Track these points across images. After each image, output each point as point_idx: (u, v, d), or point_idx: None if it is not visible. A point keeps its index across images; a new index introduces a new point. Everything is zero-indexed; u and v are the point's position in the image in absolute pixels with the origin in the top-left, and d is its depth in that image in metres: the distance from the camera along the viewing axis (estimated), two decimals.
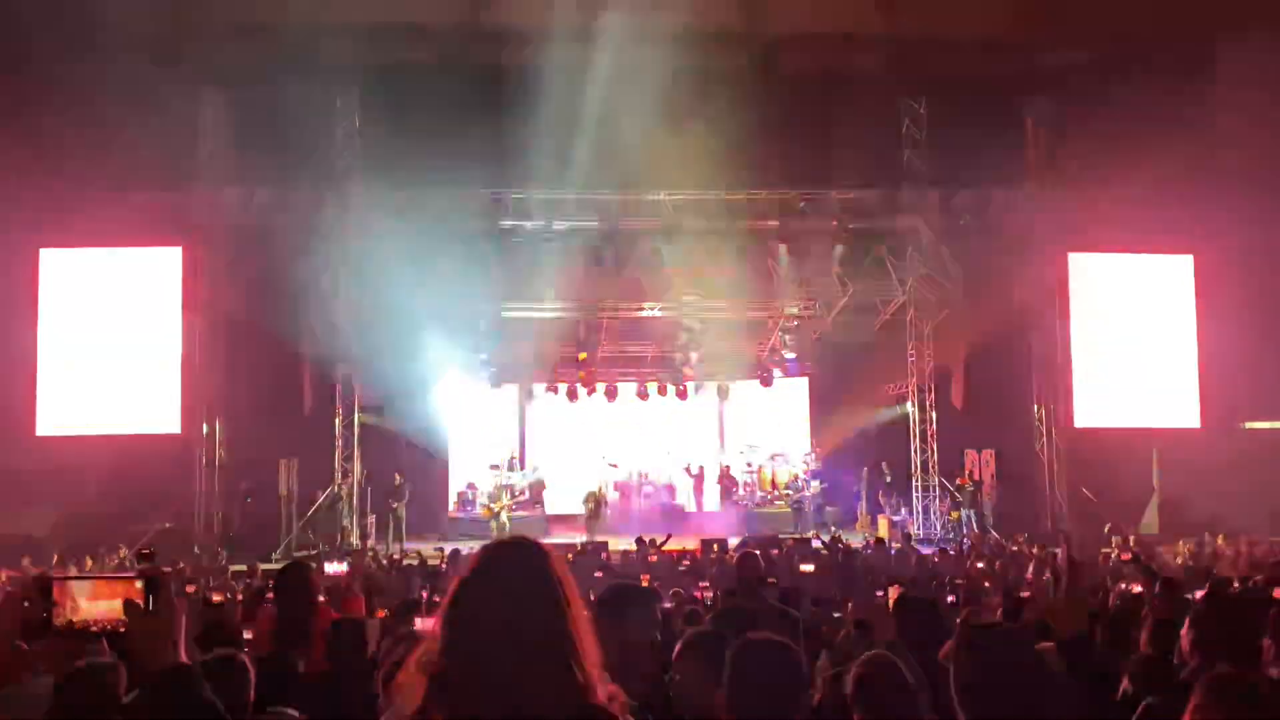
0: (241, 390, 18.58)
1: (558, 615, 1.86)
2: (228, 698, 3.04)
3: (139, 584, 2.01)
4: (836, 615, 6.80)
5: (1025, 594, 8.70)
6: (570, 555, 13.71)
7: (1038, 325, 20.08)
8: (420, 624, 4.83)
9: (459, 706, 1.80)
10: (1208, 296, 20.02)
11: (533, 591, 1.86)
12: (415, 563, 14.13)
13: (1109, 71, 18.50)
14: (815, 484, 20.89)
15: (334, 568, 11.48)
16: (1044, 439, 19.97)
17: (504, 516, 19.40)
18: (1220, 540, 16.05)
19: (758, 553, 5.90)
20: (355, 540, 18.27)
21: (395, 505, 18.66)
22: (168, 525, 17.72)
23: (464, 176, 17.86)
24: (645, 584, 9.35)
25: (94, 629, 2.06)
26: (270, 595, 5.94)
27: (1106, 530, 17.89)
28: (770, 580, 7.55)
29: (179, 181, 18.16)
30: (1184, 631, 3.22)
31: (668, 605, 7.02)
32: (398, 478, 18.93)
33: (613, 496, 21.55)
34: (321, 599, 6.10)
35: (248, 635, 5.73)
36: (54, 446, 18.40)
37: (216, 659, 3.39)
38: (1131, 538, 17.63)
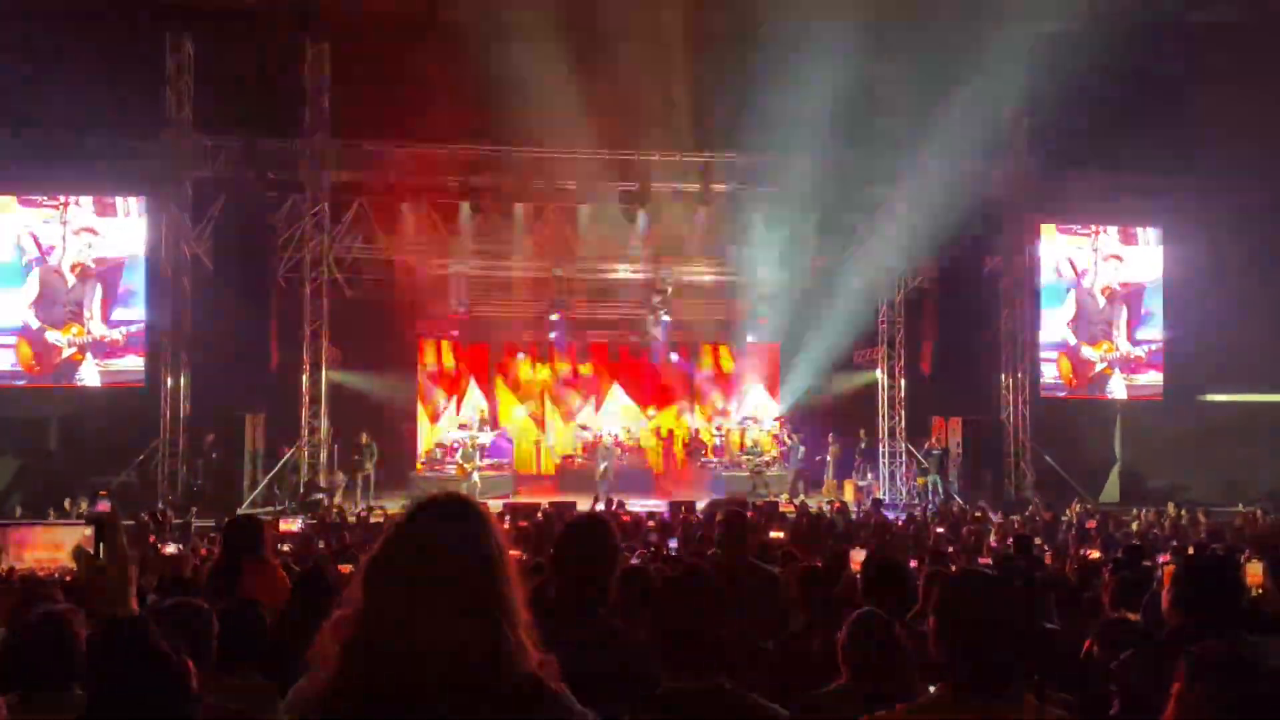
0: (207, 344, 18.35)
1: (487, 576, 1.71)
2: (191, 644, 3.00)
3: (88, 530, 1.94)
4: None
5: (984, 560, 8.82)
6: (539, 514, 13.72)
7: (1006, 294, 20.19)
8: None
9: (377, 674, 1.65)
10: (1174, 269, 20.22)
11: (460, 550, 1.71)
12: (382, 520, 14.09)
13: (1079, 44, 18.48)
14: (797, 445, 20.88)
15: (290, 524, 11.42)
16: (1010, 407, 20.15)
17: (475, 476, 19.34)
18: (1181, 510, 16.29)
19: (745, 512, 5.92)
20: (322, 498, 18.15)
21: (363, 463, 18.53)
22: (130, 478, 17.54)
23: (436, 131, 17.64)
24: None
25: (41, 575, 1.99)
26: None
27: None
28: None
29: (143, 129, 17.81)
30: (1165, 592, 3.25)
31: (635, 562, 7.05)
32: (364, 436, 18.79)
33: (580, 459, 21.65)
34: (286, 548, 6.04)
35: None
36: (15, 397, 18.12)
37: (177, 605, 3.34)
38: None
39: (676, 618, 2.45)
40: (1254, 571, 5.85)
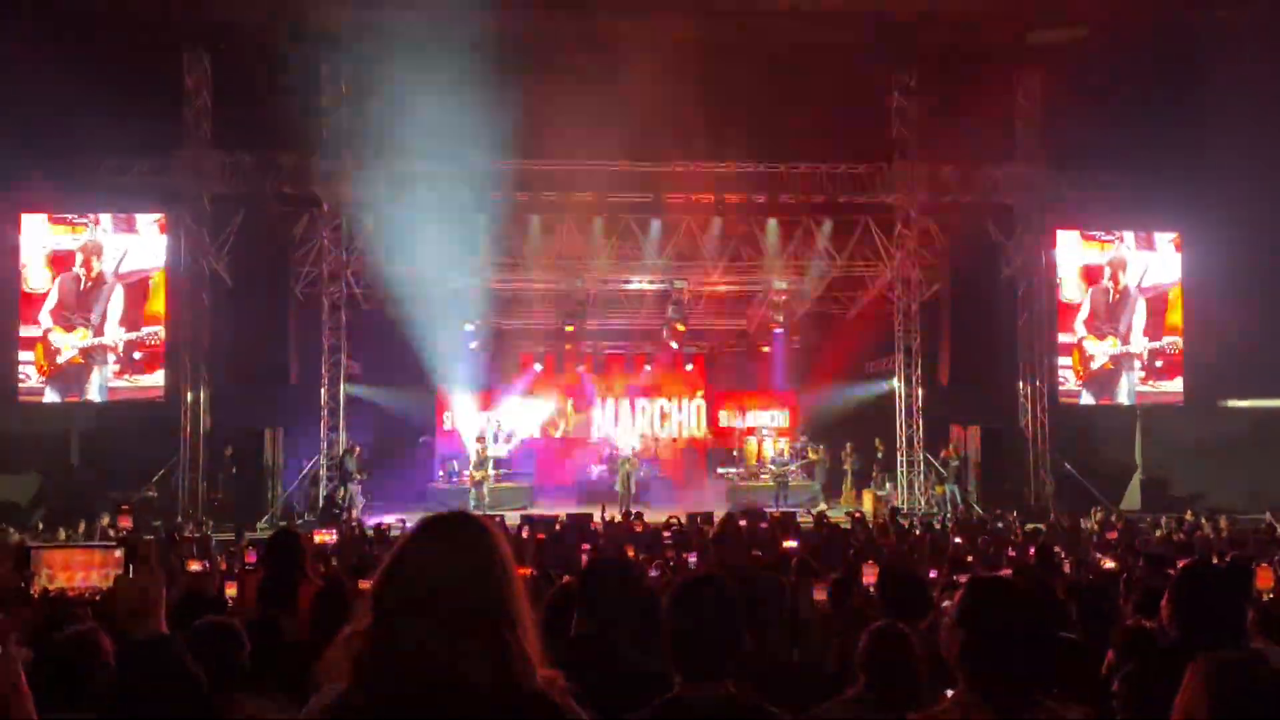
0: (227, 359, 18.48)
1: (496, 593, 1.76)
2: (219, 663, 3.03)
3: (119, 553, 1.97)
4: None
5: (1006, 571, 8.76)
6: (556, 526, 13.72)
7: (1024, 301, 20.11)
8: None
9: (387, 686, 1.70)
10: (1192, 274, 20.08)
11: (470, 567, 1.77)
12: (400, 534, 14.11)
13: (1099, 48, 18.45)
14: (823, 458, 20.84)
15: (325, 536, 11.50)
16: (1029, 415, 20.05)
17: (485, 487, 19.37)
18: (1201, 518, 16.15)
19: (741, 522, 5.89)
20: (340, 512, 18.22)
21: (360, 477, 18.53)
22: (151, 493, 17.66)
23: (454, 145, 17.70)
24: (630, 554, 9.40)
25: (72, 596, 2.03)
26: (254, 562, 5.92)
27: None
28: (755, 552, 7.58)
29: (162, 146, 18.00)
30: (1163, 603, 3.23)
31: (654, 574, 7.06)
32: (357, 449, 18.78)
33: (598, 470, 21.67)
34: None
35: (229, 603, 5.70)
36: (36, 411, 18.30)
37: (208, 625, 3.36)
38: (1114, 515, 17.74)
39: (688, 622, 2.50)
40: (1265, 576, 5.82)
